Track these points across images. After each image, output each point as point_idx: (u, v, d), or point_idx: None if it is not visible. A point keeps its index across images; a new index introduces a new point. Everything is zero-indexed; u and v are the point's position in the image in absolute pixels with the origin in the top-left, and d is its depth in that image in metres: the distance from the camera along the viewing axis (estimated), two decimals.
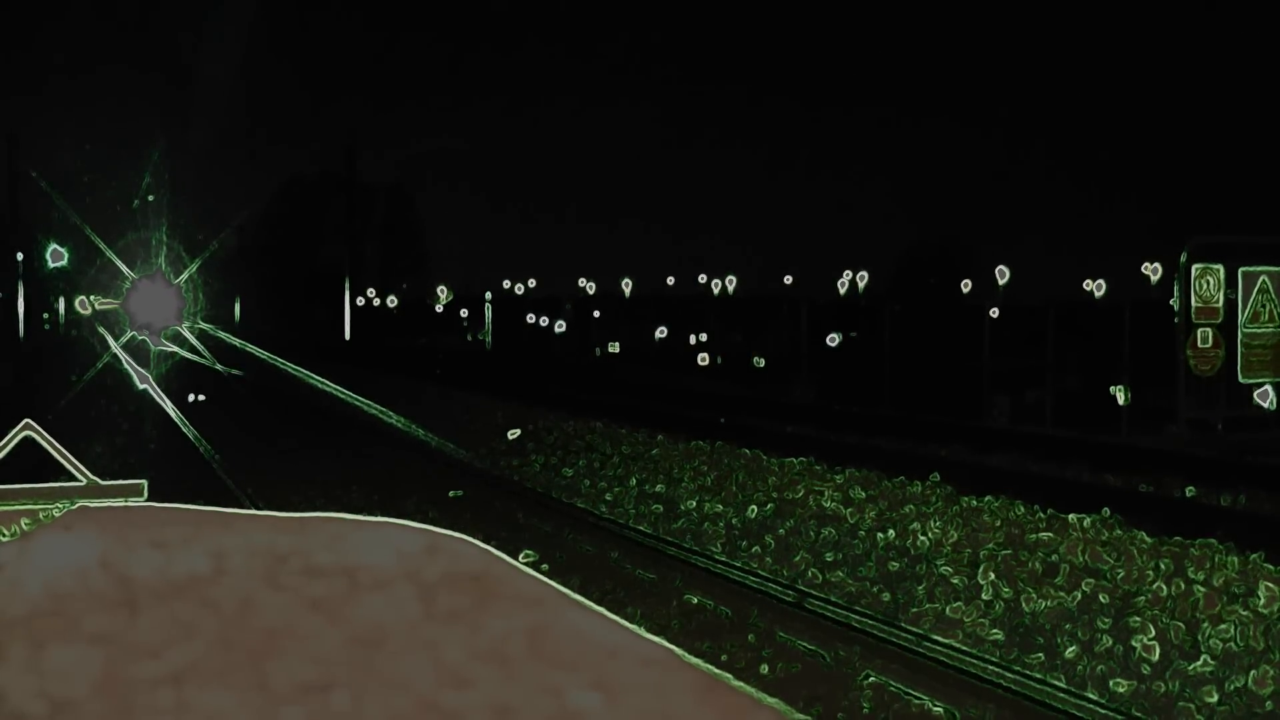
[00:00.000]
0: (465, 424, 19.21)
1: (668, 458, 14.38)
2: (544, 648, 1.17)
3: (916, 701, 6.93)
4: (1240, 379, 16.94)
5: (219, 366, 34.71)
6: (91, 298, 50.36)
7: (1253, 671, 6.68)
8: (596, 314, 50.00)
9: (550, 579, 1.46)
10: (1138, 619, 7.45)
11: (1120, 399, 18.50)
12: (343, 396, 25.14)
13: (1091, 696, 6.59)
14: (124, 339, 44.76)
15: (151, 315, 48.12)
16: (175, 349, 43.54)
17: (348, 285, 61.60)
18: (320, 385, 28.33)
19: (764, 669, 7.61)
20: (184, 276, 49.63)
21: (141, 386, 26.41)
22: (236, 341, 44.50)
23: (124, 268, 46.10)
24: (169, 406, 22.48)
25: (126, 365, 32.07)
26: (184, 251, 49.25)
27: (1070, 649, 7.30)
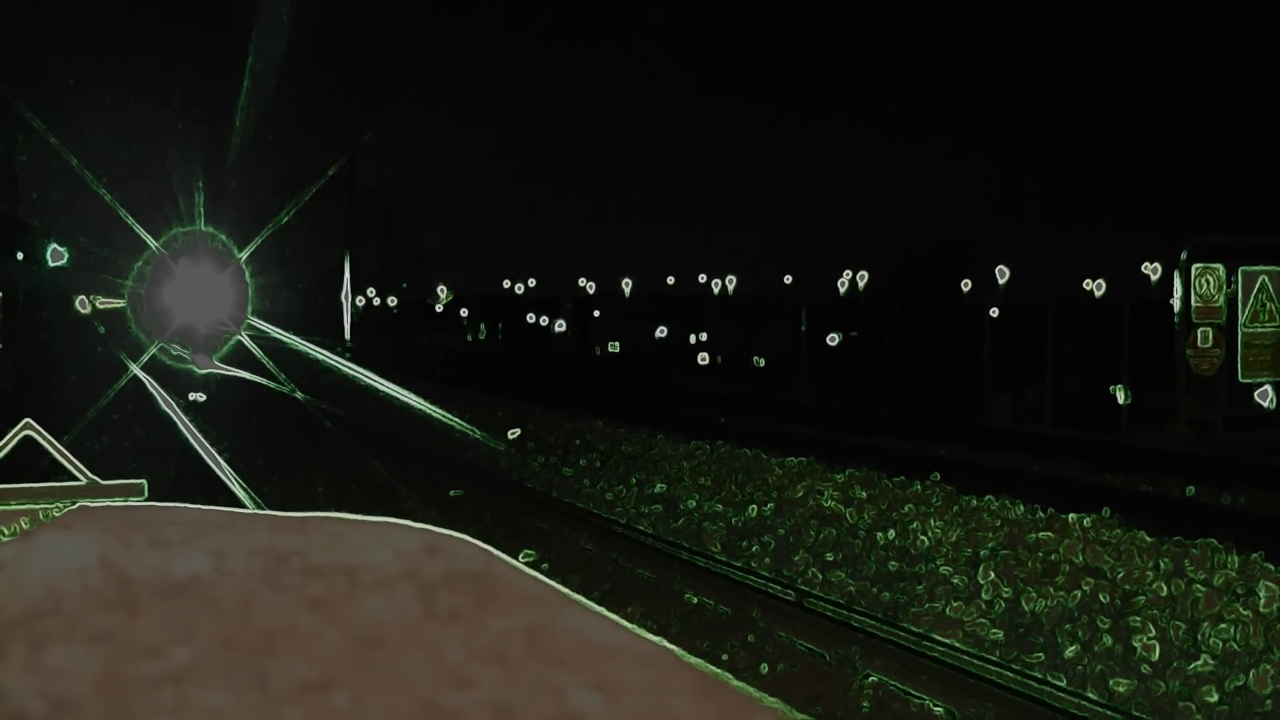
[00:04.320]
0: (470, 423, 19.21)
1: (668, 458, 14.38)
2: (544, 647, 1.18)
3: (916, 701, 6.93)
4: (1240, 379, 16.95)
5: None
6: (92, 295, 37.66)
7: (1253, 671, 6.69)
8: (597, 314, 50.03)
9: (550, 579, 1.46)
10: (1138, 619, 7.45)
11: (1120, 399, 18.50)
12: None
13: (1091, 696, 6.59)
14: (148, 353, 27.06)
15: (193, 314, 31.84)
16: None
17: (348, 285, 61.49)
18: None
19: (764, 669, 7.61)
20: (246, 253, 32.78)
21: None
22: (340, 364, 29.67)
23: (148, 237, 30.65)
24: None
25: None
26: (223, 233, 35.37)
27: (1070, 649, 7.30)
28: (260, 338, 30.67)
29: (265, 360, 25.65)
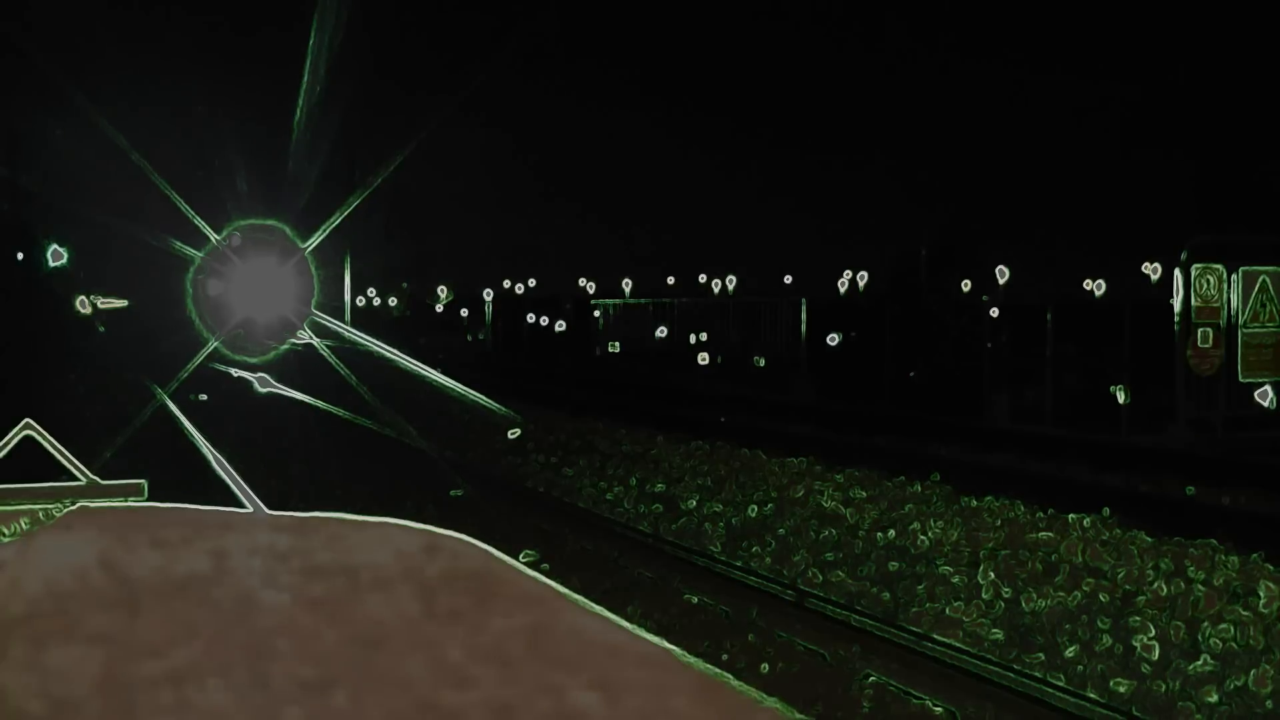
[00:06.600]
0: (464, 423, 19.18)
1: (668, 458, 14.38)
2: (544, 647, 1.18)
3: (916, 701, 6.93)
4: (1240, 379, 16.95)
5: None
6: (92, 295, 34.61)
7: (1253, 671, 6.69)
8: (597, 314, 50.01)
9: (550, 579, 1.46)
10: (1138, 619, 7.46)
11: (1120, 399, 18.49)
12: None
13: (1091, 696, 6.60)
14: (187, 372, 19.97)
15: (256, 309, 26.13)
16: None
17: (348, 285, 61.40)
18: None
19: (764, 669, 7.61)
20: (312, 243, 26.20)
21: None
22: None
23: (200, 222, 24.69)
24: None
25: None
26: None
27: (1070, 649, 7.30)
28: (329, 337, 25.34)
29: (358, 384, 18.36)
